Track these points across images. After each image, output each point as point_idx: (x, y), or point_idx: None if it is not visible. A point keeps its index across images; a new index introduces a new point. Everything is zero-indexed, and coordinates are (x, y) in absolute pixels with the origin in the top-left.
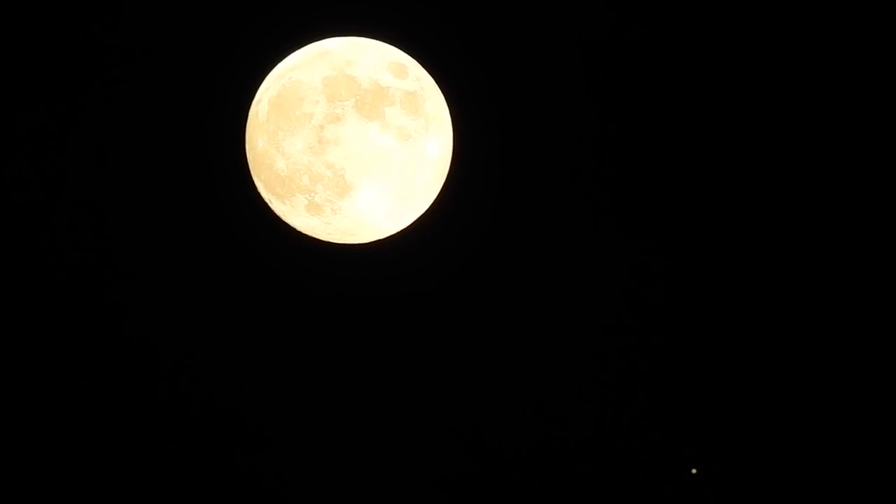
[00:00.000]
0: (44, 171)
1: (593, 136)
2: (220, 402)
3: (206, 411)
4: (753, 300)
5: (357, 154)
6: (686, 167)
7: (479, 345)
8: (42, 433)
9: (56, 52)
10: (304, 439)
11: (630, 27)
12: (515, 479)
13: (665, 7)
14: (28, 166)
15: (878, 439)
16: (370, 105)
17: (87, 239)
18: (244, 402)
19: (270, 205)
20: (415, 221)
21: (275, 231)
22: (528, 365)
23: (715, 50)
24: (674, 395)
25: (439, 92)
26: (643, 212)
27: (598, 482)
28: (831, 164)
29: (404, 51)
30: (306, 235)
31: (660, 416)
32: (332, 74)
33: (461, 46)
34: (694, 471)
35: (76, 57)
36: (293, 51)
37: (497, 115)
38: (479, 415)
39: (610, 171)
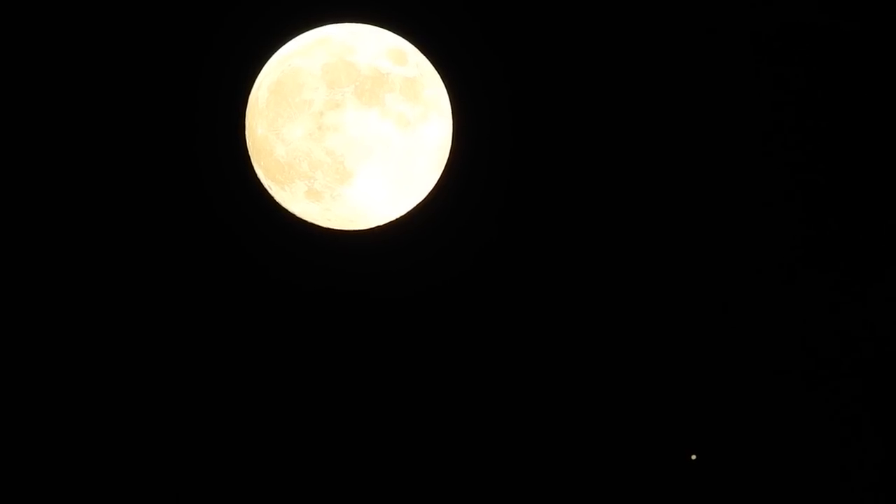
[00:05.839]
0: (34, 161)
1: (592, 123)
2: (217, 395)
3: (202, 404)
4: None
5: (356, 141)
6: (690, 166)
7: (478, 334)
8: (37, 435)
9: (50, 34)
10: (302, 438)
11: (628, 10)
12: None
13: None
14: (23, 152)
15: None
16: (370, 92)
17: (83, 227)
18: (243, 395)
19: (270, 191)
20: (414, 208)
21: (275, 218)
22: (531, 357)
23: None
24: (676, 396)
25: (439, 78)
26: (642, 202)
27: (605, 481)
28: None
29: (404, 37)
30: (306, 222)
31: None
32: (331, 61)
33: (460, 33)
34: (693, 457)
35: (72, 42)
36: (293, 37)
37: (496, 101)
38: (486, 417)
39: (611, 157)
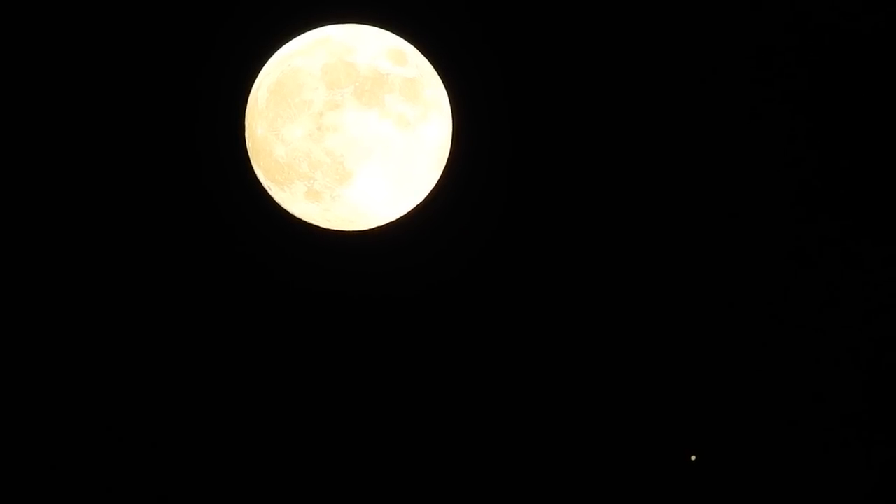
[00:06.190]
0: (32, 162)
1: (592, 122)
2: (217, 395)
3: (202, 404)
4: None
5: (356, 141)
6: (685, 164)
7: (478, 334)
8: (37, 435)
9: (50, 35)
10: (302, 437)
11: (628, 11)
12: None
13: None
14: (23, 153)
15: None
16: (369, 92)
17: (82, 228)
18: (243, 395)
19: (270, 192)
20: (414, 208)
21: (274, 218)
22: (533, 358)
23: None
24: (677, 393)
25: (438, 79)
26: (642, 202)
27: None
28: None
29: (403, 38)
30: (306, 222)
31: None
32: (331, 61)
33: (460, 33)
34: (693, 457)
35: (71, 41)
36: (292, 37)
37: (496, 102)
38: (487, 417)
39: (611, 157)
